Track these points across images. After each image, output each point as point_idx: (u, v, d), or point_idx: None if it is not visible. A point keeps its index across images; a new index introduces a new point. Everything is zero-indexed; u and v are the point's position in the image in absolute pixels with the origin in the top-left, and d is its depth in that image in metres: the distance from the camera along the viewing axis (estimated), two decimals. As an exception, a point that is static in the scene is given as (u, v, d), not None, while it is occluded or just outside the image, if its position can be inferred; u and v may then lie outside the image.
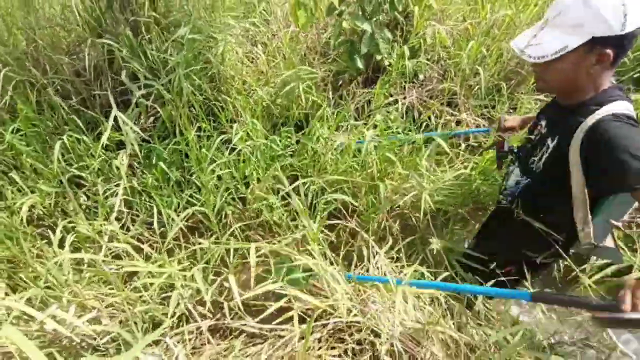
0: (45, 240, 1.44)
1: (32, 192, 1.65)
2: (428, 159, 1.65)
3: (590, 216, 0.97)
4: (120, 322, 1.18)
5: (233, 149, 1.77)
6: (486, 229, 1.46)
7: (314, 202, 1.68)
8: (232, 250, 1.41)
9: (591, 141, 0.89)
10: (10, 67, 1.99)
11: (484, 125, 2.27)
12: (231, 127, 1.77)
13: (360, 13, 1.76)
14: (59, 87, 2.05)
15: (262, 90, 2.00)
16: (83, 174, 1.72)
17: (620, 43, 0.87)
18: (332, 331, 1.17)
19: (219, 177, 1.66)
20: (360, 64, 1.88)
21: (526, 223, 1.13)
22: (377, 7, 1.74)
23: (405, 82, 2.12)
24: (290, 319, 1.20)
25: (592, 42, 0.87)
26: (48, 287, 1.17)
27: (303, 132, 1.88)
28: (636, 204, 0.96)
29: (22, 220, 1.48)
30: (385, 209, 1.52)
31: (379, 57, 1.88)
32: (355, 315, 1.02)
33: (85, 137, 1.73)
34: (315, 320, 1.19)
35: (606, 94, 0.94)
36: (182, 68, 1.66)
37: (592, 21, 0.85)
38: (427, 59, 2.17)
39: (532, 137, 1.18)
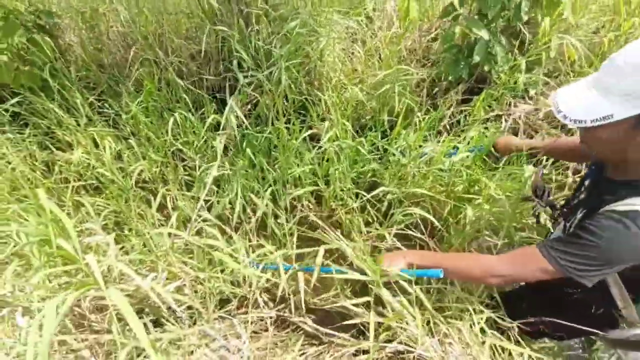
0: (146, 205, 1.64)
1: (144, 158, 1.89)
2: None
3: (627, 294, 0.88)
4: (196, 292, 1.29)
5: (316, 145, 1.80)
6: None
7: (391, 211, 1.63)
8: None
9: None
10: (139, 45, 2.29)
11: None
12: (321, 123, 1.79)
13: (478, 17, 1.62)
14: (176, 68, 2.29)
15: (355, 88, 1.97)
16: (184, 149, 1.90)
17: None
18: (391, 354, 1.12)
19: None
20: (464, 73, 1.74)
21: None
22: (498, 13, 1.57)
23: (513, 97, 1.90)
24: (348, 325, 1.19)
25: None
26: (144, 246, 1.32)
27: (388, 138, 1.82)
28: None
29: (133, 182, 1.71)
30: (469, 236, 1.40)
31: (487, 68, 1.71)
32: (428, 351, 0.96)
33: (192, 116, 1.90)
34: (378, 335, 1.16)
35: None
36: (284, 61, 1.71)
37: None
38: (545, 73, 1.92)
39: (575, 196, 1.05)
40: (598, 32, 1.95)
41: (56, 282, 0.84)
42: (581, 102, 0.79)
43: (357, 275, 1.04)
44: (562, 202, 1.18)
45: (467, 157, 1.52)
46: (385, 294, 1.03)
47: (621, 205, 0.81)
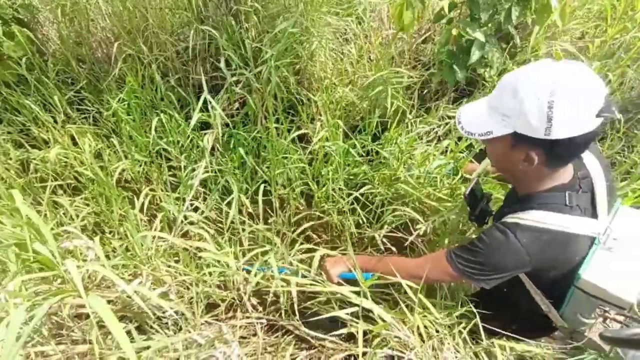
0: (129, 206, 1.57)
1: (126, 157, 1.81)
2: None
3: (547, 300, 0.93)
4: (182, 297, 1.24)
5: (305, 147, 1.77)
6: None
7: (380, 210, 1.62)
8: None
9: None
10: (122, 40, 2.20)
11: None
12: (311, 122, 1.76)
13: (470, 20, 1.62)
14: (160, 64, 2.21)
15: (346, 89, 1.96)
16: (169, 149, 1.84)
17: (549, 149, 0.75)
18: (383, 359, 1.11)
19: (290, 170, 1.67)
20: (460, 76, 1.74)
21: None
22: (490, 17, 1.58)
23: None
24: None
25: (515, 137, 0.77)
26: (127, 250, 1.26)
27: (379, 142, 1.81)
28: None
29: (114, 181, 1.63)
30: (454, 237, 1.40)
31: (481, 71, 1.73)
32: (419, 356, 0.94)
33: (177, 115, 1.84)
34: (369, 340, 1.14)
35: (539, 197, 0.86)
36: (274, 60, 1.68)
37: (515, 115, 0.74)
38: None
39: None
40: (583, 37, 2.00)
41: (33, 290, 0.78)
42: (475, 117, 0.84)
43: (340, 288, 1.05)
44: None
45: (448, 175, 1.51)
46: (370, 304, 1.02)
47: (510, 218, 0.86)
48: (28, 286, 0.79)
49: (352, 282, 1.09)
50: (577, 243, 0.84)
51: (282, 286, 1.15)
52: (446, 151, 1.58)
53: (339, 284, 1.12)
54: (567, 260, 0.86)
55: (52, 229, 0.98)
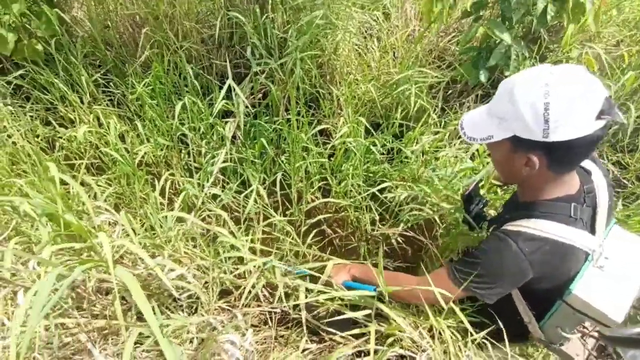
0: (150, 188, 1.60)
1: (147, 140, 1.84)
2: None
3: (530, 312, 0.93)
4: (198, 281, 1.25)
5: (326, 142, 1.76)
6: None
7: (397, 210, 1.60)
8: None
9: None
10: (150, 26, 2.23)
11: (613, 172, 1.93)
12: (332, 117, 1.75)
13: (501, 20, 1.59)
14: (185, 51, 2.23)
15: (369, 85, 1.94)
16: (190, 135, 1.86)
17: (549, 151, 0.74)
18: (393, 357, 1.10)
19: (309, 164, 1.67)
20: (483, 77, 1.71)
21: None
22: (521, 17, 1.54)
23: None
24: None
25: (515, 141, 0.77)
26: (148, 230, 1.28)
27: (401, 139, 1.79)
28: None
29: (136, 163, 1.66)
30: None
31: (507, 73, 1.69)
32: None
33: (199, 101, 1.86)
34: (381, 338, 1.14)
35: (543, 206, 0.84)
36: (299, 51, 1.67)
37: (513, 118, 0.74)
38: (562, 83, 1.90)
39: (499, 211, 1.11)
40: (618, 45, 1.93)
41: (62, 261, 0.80)
42: (477, 122, 0.84)
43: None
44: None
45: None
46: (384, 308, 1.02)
47: (510, 226, 0.85)
48: (57, 257, 0.81)
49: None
50: (575, 257, 0.84)
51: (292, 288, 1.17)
52: (473, 156, 1.56)
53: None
54: (564, 273, 0.85)
55: (82, 204, 1.00)
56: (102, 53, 2.27)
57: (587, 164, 0.92)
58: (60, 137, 1.82)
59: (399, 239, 1.63)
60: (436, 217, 1.45)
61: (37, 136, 1.87)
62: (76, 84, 2.04)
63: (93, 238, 0.73)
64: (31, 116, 2.04)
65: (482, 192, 1.38)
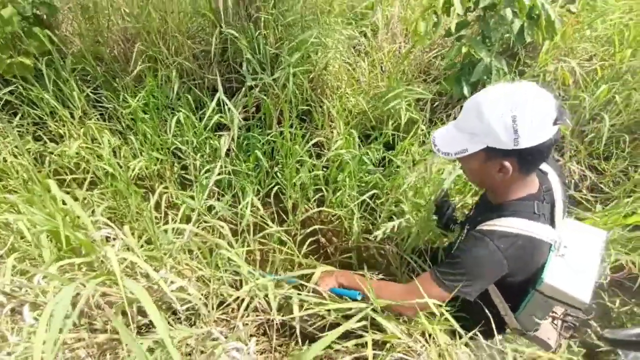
0: (143, 201, 1.59)
1: (140, 154, 1.84)
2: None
3: (506, 304, 1.01)
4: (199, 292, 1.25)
5: (319, 153, 1.80)
6: None
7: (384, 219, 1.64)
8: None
9: None
10: (142, 41, 2.25)
11: (590, 177, 2.03)
12: (322, 128, 1.80)
13: (481, 39, 1.68)
14: (177, 66, 2.26)
15: (359, 97, 2.00)
16: (184, 148, 1.87)
17: (519, 157, 0.84)
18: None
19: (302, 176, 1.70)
20: (466, 91, 1.80)
21: None
22: (501, 36, 1.64)
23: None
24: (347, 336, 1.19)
25: (488, 151, 0.86)
26: (147, 243, 1.28)
27: (392, 151, 1.85)
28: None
29: (130, 177, 1.66)
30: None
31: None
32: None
33: (192, 115, 1.88)
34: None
35: (511, 205, 0.93)
36: (292, 67, 1.72)
37: (484, 133, 0.84)
38: (540, 95, 2.00)
39: (469, 212, 1.17)
40: (591, 59, 2.06)
41: (66, 276, 0.80)
42: (448, 139, 0.92)
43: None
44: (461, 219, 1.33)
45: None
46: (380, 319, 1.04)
47: (486, 225, 0.93)
48: (59, 272, 0.81)
49: (340, 296, 1.15)
50: (542, 248, 0.92)
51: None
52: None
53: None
54: (534, 264, 0.94)
55: (78, 218, 1.00)
56: (93, 68, 2.27)
57: (542, 165, 1.02)
58: (51, 153, 1.80)
59: (392, 248, 1.66)
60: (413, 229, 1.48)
61: (29, 151, 1.85)
62: (67, 99, 2.04)
63: (98, 252, 0.74)
64: (19, 131, 2.02)
65: (450, 198, 1.48)
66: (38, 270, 0.70)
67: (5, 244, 1.01)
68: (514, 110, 0.79)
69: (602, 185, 2.00)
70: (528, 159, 0.85)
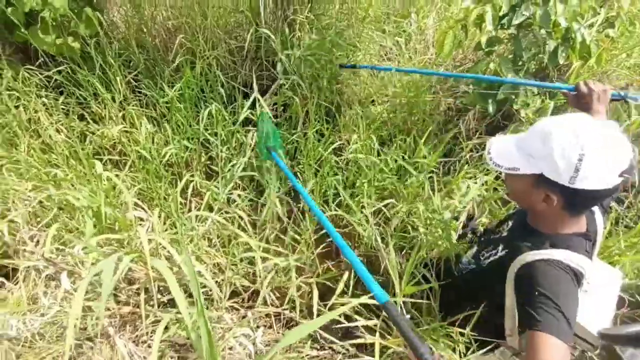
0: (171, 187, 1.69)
1: (172, 142, 1.95)
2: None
3: (517, 327, 0.97)
4: (214, 279, 1.34)
5: (339, 154, 1.85)
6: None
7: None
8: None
9: (521, 278, 0.90)
10: (184, 34, 2.36)
11: (616, 209, 1.98)
12: (346, 131, 1.85)
13: (512, 58, 1.68)
14: (213, 60, 2.36)
15: (385, 105, 2.04)
16: (212, 139, 1.96)
17: (569, 195, 0.81)
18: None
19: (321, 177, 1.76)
20: (491, 108, 1.80)
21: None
22: (532, 56, 1.63)
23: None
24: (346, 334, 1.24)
25: (540, 178, 0.83)
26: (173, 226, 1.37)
27: (410, 158, 1.87)
28: None
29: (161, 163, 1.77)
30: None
31: (515, 107, 1.77)
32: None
33: (224, 109, 1.97)
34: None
35: (565, 239, 0.90)
36: (326, 70, 1.78)
37: (543, 159, 0.81)
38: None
39: (497, 230, 1.15)
40: (627, 88, 2.00)
41: (103, 249, 0.89)
42: (505, 151, 0.90)
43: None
44: (482, 230, 1.32)
45: None
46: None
47: (543, 255, 0.88)
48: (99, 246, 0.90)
49: None
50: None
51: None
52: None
53: None
54: None
55: (115, 197, 1.10)
56: (136, 56, 2.40)
57: None
58: (93, 133, 1.93)
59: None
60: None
61: (72, 129, 1.98)
62: (110, 82, 2.17)
63: (131, 231, 0.82)
64: (64, 109, 2.17)
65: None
66: (80, 241, 0.79)
67: (47, 215, 1.12)
68: (584, 149, 0.75)
69: (628, 220, 1.95)
70: (577, 201, 0.83)
